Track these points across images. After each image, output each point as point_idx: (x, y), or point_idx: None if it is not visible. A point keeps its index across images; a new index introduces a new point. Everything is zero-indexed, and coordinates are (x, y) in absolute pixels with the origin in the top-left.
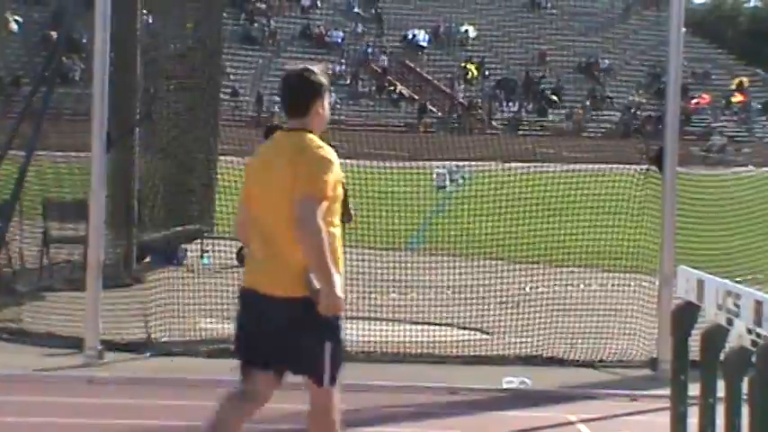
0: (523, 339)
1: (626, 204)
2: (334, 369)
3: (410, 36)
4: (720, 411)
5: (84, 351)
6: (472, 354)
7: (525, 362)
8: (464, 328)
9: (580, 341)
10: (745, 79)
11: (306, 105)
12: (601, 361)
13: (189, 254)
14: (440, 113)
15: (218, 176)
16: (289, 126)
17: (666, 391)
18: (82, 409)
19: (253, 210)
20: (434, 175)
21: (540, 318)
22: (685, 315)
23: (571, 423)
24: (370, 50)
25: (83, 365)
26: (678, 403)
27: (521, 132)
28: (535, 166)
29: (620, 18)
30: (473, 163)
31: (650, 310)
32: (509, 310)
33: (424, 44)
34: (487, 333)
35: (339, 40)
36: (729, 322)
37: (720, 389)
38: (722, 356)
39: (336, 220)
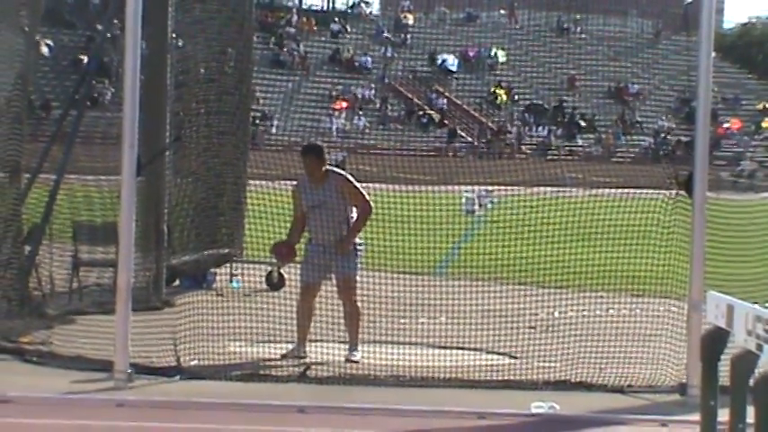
0: (552, 364)
1: (655, 229)
2: None
3: (439, 61)
4: None
5: (114, 374)
6: (501, 378)
7: (554, 387)
8: (493, 353)
9: (609, 366)
10: None
11: None
12: (630, 386)
13: (218, 277)
14: (469, 138)
15: (248, 200)
16: None
17: (696, 417)
18: None
19: None
20: (463, 200)
21: (569, 342)
22: (715, 340)
23: None
24: (399, 74)
25: (112, 389)
26: (708, 429)
27: (549, 157)
28: (564, 191)
29: (649, 43)
30: (502, 188)
31: (679, 335)
32: (538, 335)
33: (454, 69)
34: (516, 358)
35: (368, 65)
36: (759, 348)
37: (750, 414)
38: (752, 382)
39: None
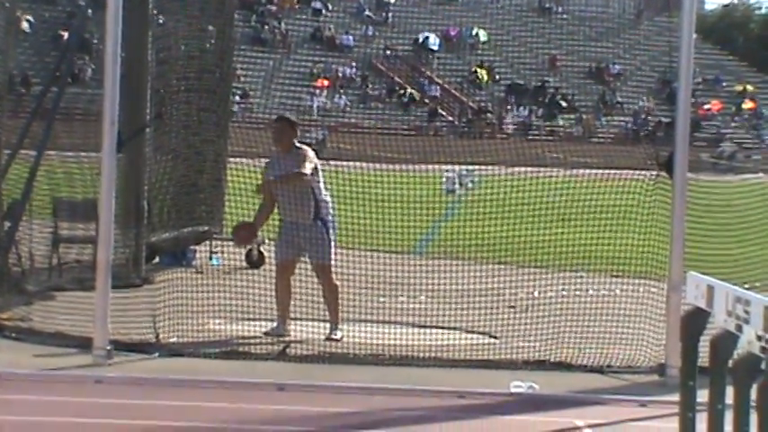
0: (532, 344)
1: (635, 210)
2: None
3: (421, 39)
4: (729, 418)
5: (93, 351)
6: (480, 358)
7: (533, 366)
8: (472, 332)
9: (588, 346)
10: (750, 86)
11: None
12: (609, 366)
13: (198, 255)
14: (450, 117)
15: (228, 178)
16: None
17: (675, 397)
18: (90, 409)
19: None
20: (444, 179)
21: (549, 322)
22: (695, 321)
23: (579, 428)
24: (380, 53)
25: (91, 365)
26: (687, 409)
27: (530, 137)
28: (544, 171)
29: (631, 23)
30: (482, 167)
31: (659, 315)
32: (517, 315)
33: (435, 48)
34: (496, 337)
35: (350, 43)
36: (739, 328)
37: (729, 395)
38: (731, 363)
39: None
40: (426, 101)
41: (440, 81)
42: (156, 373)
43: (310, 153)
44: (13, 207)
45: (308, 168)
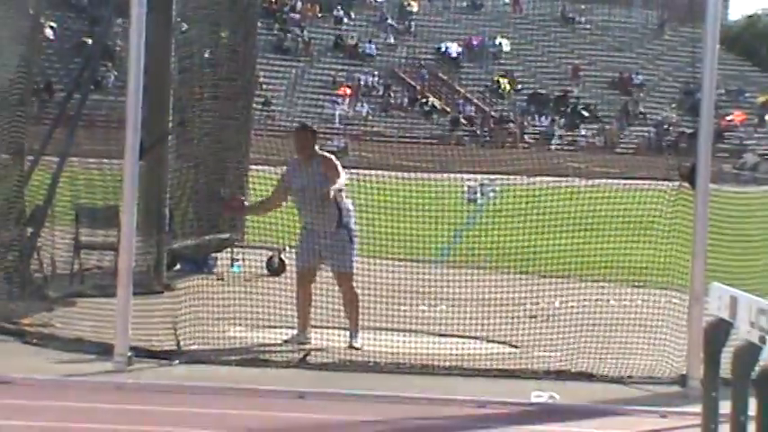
0: (552, 354)
1: (657, 220)
2: None
3: (443, 49)
4: (752, 429)
5: (114, 357)
6: (501, 367)
7: (554, 376)
8: (493, 342)
9: (609, 356)
10: None
11: None
12: (630, 377)
13: (219, 262)
14: (472, 126)
15: (250, 185)
16: None
17: (696, 409)
18: (110, 416)
19: None
20: (465, 188)
21: (570, 332)
22: (718, 332)
23: None
24: (403, 62)
25: (112, 372)
26: (709, 421)
27: (552, 147)
28: (566, 181)
29: (654, 34)
30: (504, 176)
31: (680, 326)
32: (538, 324)
33: (457, 57)
34: (516, 347)
35: (372, 52)
36: (762, 340)
37: (752, 407)
38: (754, 374)
39: None
40: (448, 110)
41: (462, 90)
42: (176, 380)
43: (338, 163)
44: (36, 213)
45: (342, 181)
